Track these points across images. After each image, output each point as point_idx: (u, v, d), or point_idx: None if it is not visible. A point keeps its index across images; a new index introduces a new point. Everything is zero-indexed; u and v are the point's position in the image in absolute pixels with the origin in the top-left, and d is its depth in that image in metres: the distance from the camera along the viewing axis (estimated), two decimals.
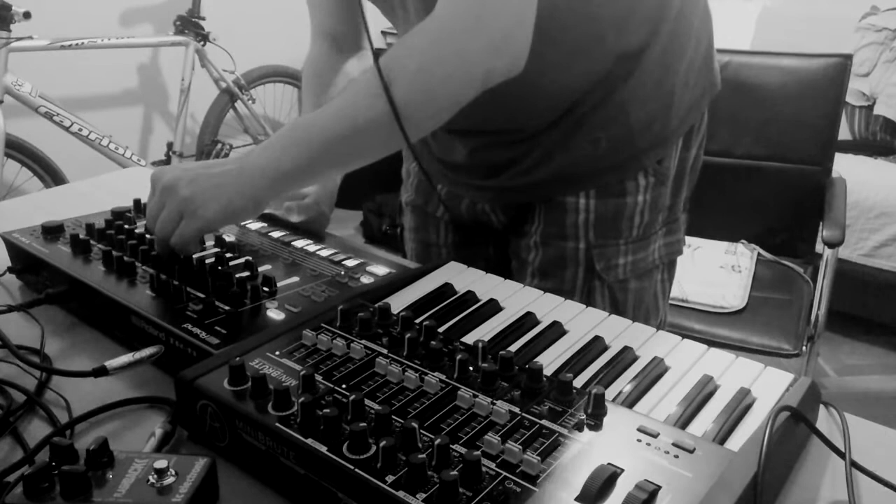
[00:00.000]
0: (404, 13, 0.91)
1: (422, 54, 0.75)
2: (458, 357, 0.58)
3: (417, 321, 0.67)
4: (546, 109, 0.89)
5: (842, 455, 0.56)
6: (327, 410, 0.52)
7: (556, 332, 0.67)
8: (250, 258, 0.80)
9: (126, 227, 0.87)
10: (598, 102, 0.88)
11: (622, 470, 0.48)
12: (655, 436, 0.51)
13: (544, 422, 0.53)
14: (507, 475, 0.48)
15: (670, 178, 0.95)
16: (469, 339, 0.65)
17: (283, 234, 0.90)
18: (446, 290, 0.75)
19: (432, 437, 0.51)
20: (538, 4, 0.75)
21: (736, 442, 0.52)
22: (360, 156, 0.80)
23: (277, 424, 0.53)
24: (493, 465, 0.48)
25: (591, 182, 0.92)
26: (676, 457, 0.49)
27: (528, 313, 0.69)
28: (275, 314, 0.70)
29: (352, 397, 0.53)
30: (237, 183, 0.76)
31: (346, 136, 0.76)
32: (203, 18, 2.92)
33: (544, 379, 0.57)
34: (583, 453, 0.49)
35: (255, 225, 0.93)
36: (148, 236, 0.84)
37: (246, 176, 0.77)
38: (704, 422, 0.54)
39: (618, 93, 0.87)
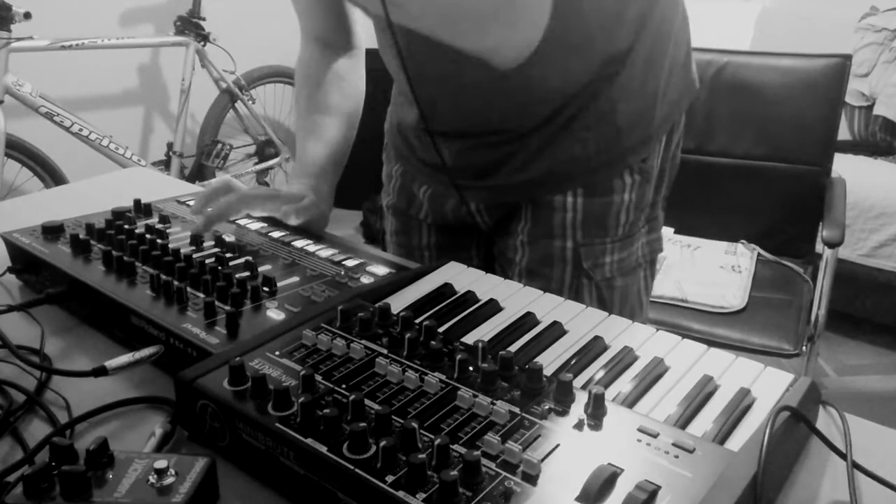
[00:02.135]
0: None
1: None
2: (458, 357, 0.58)
3: (417, 321, 0.67)
4: (535, 111, 0.90)
5: (842, 455, 0.56)
6: (327, 410, 0.52)
7: (556, 332, 0.67)
8: (250, 258, 0.80)
9: (126, 227, 0.87)
10: (585, 103, 0.89)
11: (622, 470, 0.48)
12: (655, 436, 0.51)
13: (544, 422, 0.53)
14: (507, 475, 0.48)
15: (654, 176, 0.96)
16: (469, 339, 0.65)
17: (282, 234, 0.90)
18: (446, 290, 0.75)
19: (432, 437, 0.51)
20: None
21: (736, 442, 0.52)
22: None
23: (277, 424, 0.53)
24: (493, 465, 0.48)
25: (578, 181, 0.92)
26: (676, 457, 0.49)
27: (528, 313, 0.69)
28: (275, 314, 0.70)
29: (352, 397, 0.53)
30: None
31: None
32: (203, 19, 2.92)
33: (544, 379, 0.57)
34: (583, 453, 0.50)
35: (255, 225, 0.93)
36: (149, 236, 0.84)
37: None
38: (704, 422, 0.54)
39: (604, 93, 0.88)
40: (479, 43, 0.80)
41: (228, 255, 0.82)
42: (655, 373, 0.60)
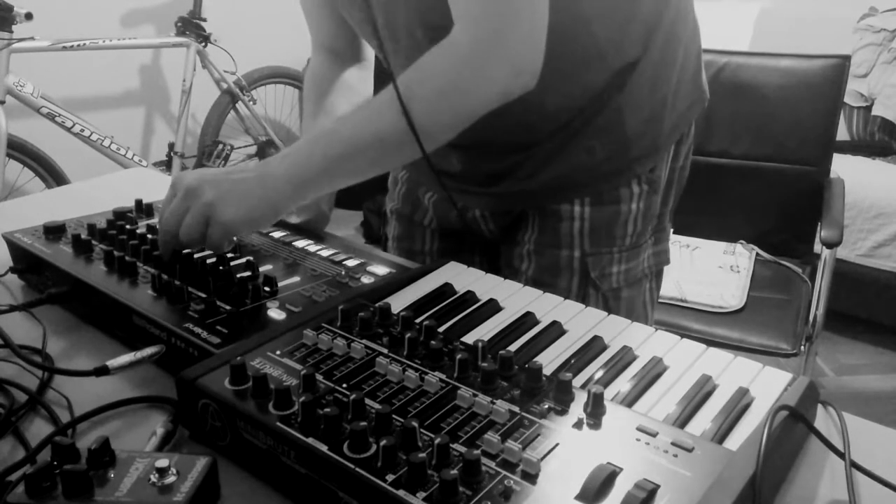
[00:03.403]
0: (394, 44, 0.91)
1: (442, 76, 0.76)
2: (458, 357, 0.58)
3: (417, 321, 0.67)
4: (544, 124, 0.90)
5: (840, 454, 0.57)
6: (328, 410, 0.52)
7: (555, 331, 0.67)
8: (251, 258, 0.80)
9: (128, 227, 0.87)
10: (594, 112, 0.89)
11: (621, 469, 0.48)
12: (654, 435, 0.51)
13: (544, 421, 0.53)
14: (507, 474, 0.48)
15: (662, 187, 0.96)
16: (469, 338, 0.65)
17: (283, 234, 0.90)
18: (446, 290, 0.75)
19: (432, 436, 0.51)
20: None
21: (734, 441, 0.52)
22: (381, 165, 0.82)
23: (278, 424, 0.53)
24: (492, 464, 0.49)
25: (586, 190, 0.92)
26: (675, 456, 0.49)
27: (528, 313, 0.70)
28: (276, 314, 0.70)
29: (352, 397, 0.53)
30: (260, 189, 0.78)
31: (370, 148, 0.78)
32: (204, 20, 2.92)
33: (544, 378, 0.57)
34: (582, 452, 0.50)
35: None
36: (150, 236, 0.84)
37: (269, 183, 0.78)
38: (703, 421, 0.54)
39: (613, 102, 0.88)
40: None
41: (230, 254, 0.82)
42: (654, 372, 0.60)
